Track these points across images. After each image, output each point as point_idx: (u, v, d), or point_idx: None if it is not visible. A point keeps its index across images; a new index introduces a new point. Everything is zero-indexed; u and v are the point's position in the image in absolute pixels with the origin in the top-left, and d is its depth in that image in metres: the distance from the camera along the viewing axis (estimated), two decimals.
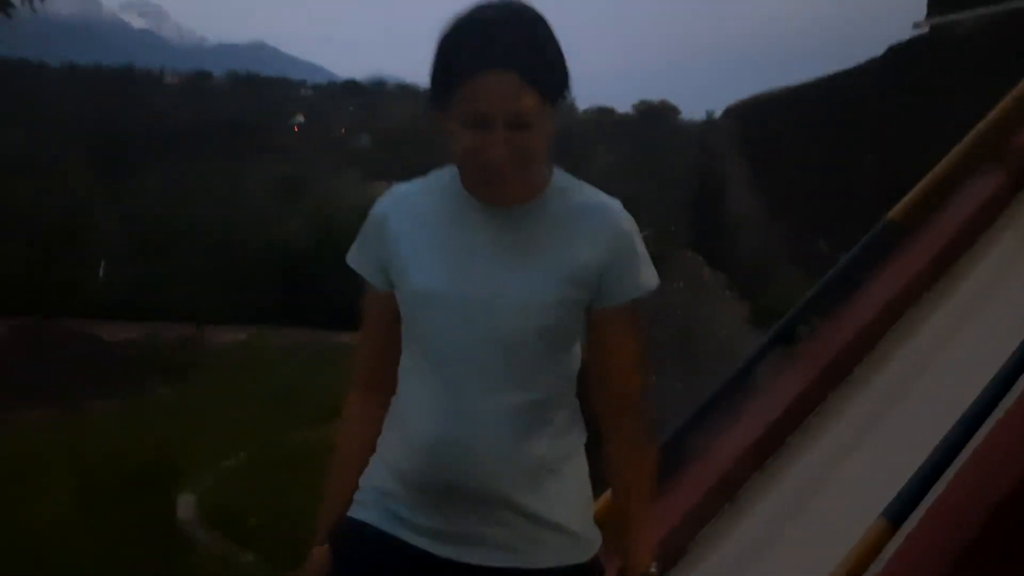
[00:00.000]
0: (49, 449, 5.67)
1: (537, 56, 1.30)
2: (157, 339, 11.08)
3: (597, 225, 1.38)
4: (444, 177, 1.46)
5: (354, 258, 1.50)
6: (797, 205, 4.07)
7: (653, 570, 1.44)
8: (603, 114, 75.81)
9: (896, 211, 2.44)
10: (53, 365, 8.68)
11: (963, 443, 1.71)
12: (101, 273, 24.52)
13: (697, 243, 4.26)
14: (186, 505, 4.22)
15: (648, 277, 1.42)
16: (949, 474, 1.71)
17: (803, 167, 4.21)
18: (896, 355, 2.32)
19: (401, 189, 1.50)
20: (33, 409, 6.96)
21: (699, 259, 4.05)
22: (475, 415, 1.35)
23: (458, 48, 1.32)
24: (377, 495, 1.44)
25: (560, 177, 1.43)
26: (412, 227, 1.43)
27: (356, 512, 1.45)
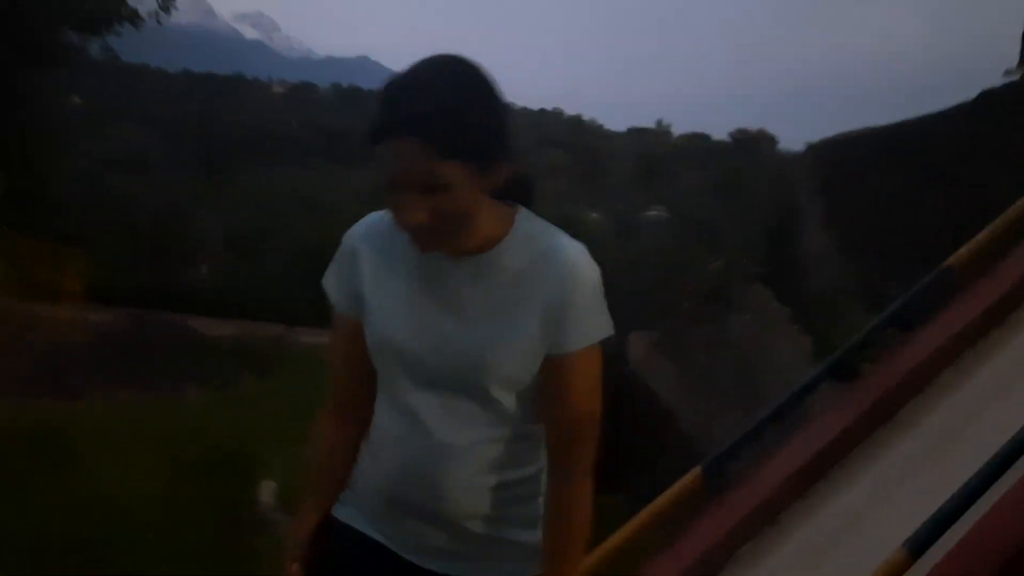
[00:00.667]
0: (144, 429, 6.07)
1: (447, 121, 1.25)
2: (249, 336, 11.59)
3: (553, 274, 1.35)
4: None
5: (329, 282, 1.50)
6: (871, 245, 4.09)
7: None
8: (697, 139, 74.92)
9: (955, 258, 2.50)
10: (153, 353, 9.22)
11: (991, 483, 1.77)
12: (204, 271, 25.65)
13: (768, 276, 4.32)
14: (268, 489, 4.50)
15: (598, 327, 1.38)
16: (975, 513, 1.78)
17: (880, 208, 4.23)
18: (945, 400, 2.36)
19: (374, 221, 1.48)
20: (132, 392, 7.44)
21: (768, 292, 4.11)
22: (438, 450, 1.39)
23: (378, 114, 1.29)
24: (357, 498, 1.50)
25: (524, 223, 1.41)
26: (379, 267, 1.43)
27: (338, 511, 1.53)
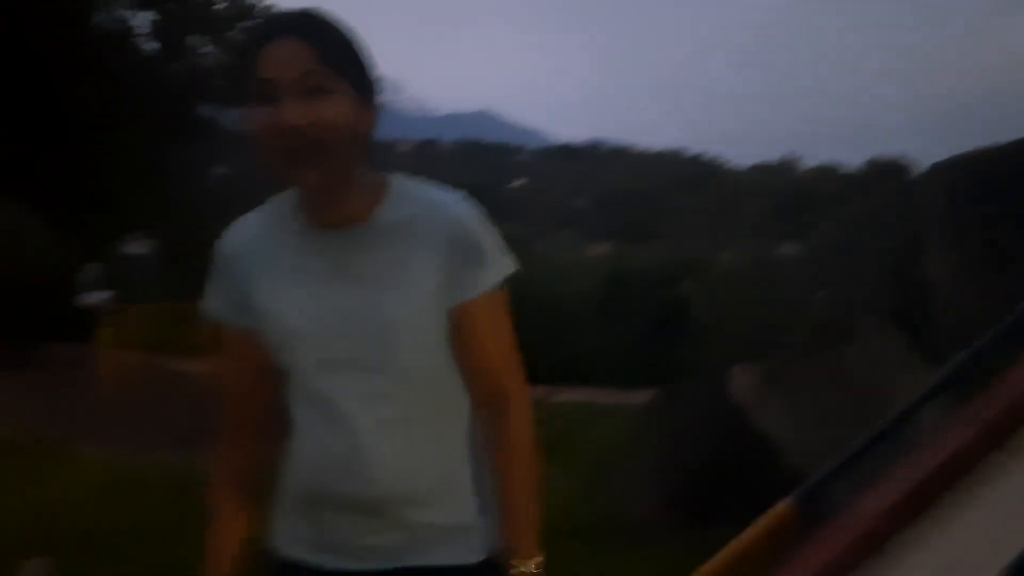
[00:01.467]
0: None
1: (331, 31, 1.26)
2: None
3: (432, 227, 1.33)
4: (282, 205, 1.40)
5: (211, 303, 1.43)
6: (1000, 268, 3.85)
7: (535, 568, 1.40)
8: (825, 172, 72.47)
9: None
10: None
11: None
12: None
13: (887, 304, 4.11)
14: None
15: (497, 266, 1.36)
16: None
17: (1009, 229, 3.98)
18: None
19: (242, 224, 1.43)
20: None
21: (884, 321, 3.92)
22: (355, 432, 1.33)
23: (252, 33, 1.29)
24: (284, 516, 1.44)
25: (398, 186, 1.38)
26: (264, 262, 1.38)
27: (269, 542, 1.47)
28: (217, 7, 11.09)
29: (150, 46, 11.55)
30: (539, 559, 1.40)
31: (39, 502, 5.16)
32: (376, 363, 1.33)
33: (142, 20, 11.34)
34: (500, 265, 1.37)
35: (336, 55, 1.26)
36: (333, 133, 1.25)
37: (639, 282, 25.45)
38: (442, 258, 1.32)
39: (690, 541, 3.49)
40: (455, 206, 1.36)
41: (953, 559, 2.11)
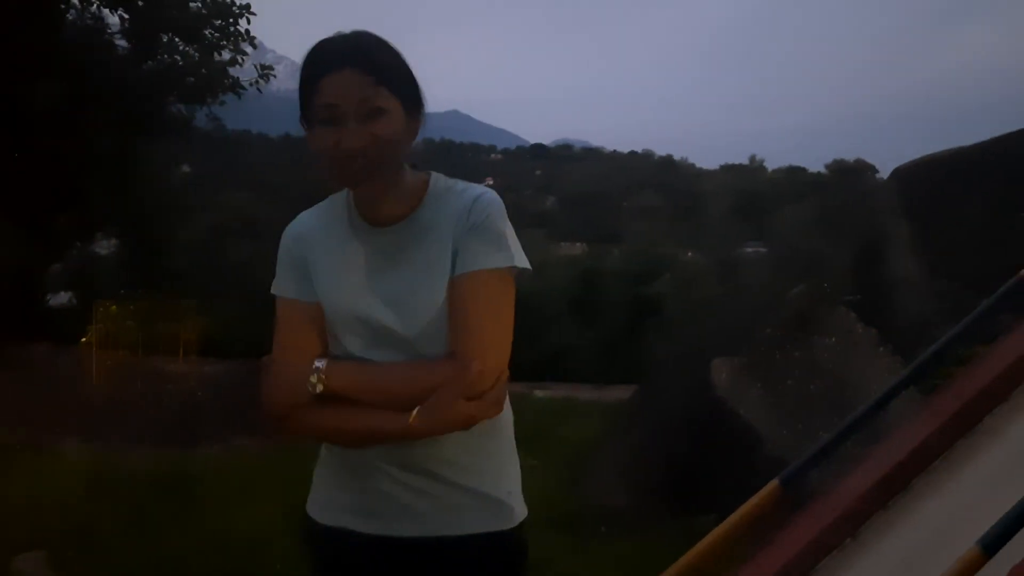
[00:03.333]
0: (260, 472, 6.44)
1: (382, 55, 1.42)
2: None
3: (459, 214, 1.48)
4: (338, 203, 1.58)
5: (281, 284, 1.57)
6: (959, 265, 4.02)
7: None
8: (792, 173, 73.59)
9: None
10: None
11: None
12: None
13: (856, 301, 4.28)
14: None
15: (499, 252, 1.46)
16: None
17: (968, 227, 4.16)
18: None
19: (304, 218, 1.62)
20: (249, 436, 7.88)
21: (852, 315, 4.08)
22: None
23: (313, 60, 1.43)
24: (320, 491, 1.56)
25: (438, 182, 1.56)
26: (317, 252, 1.54)
27: (309, 508, 1.59)
28: (194, 4, 11.06)
29: (122, 44, 11.45)
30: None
31: (29, 497, 5.18)
32: (417, 339, 1.46)
33: (115, 19, 11.25)
34: (502, 252, 1.47)
35: (389, 76, 1.41)
36: (387, 149, 1.42)
37: (613, 280, 25.66)
38: (457, 237, 1.47)
39: (673, 530, 3.62)
40: (481, 195, 1.51)
41: (925, 538, 2.23)
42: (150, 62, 11.65)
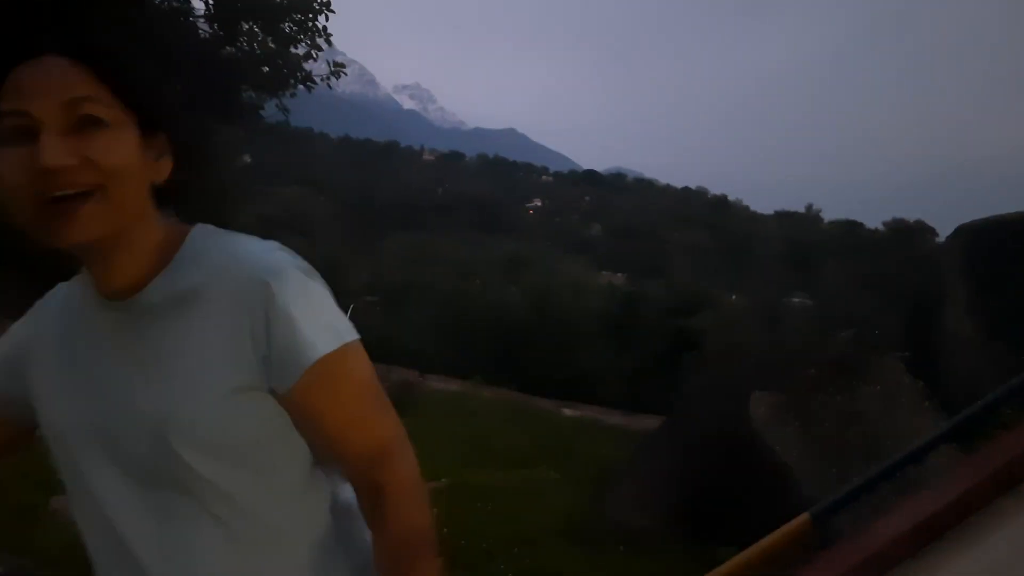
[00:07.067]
0: None
1: (112, 39, 0.95)
2: (385, 379, 12.31)
3: (229, 294, 1.01)
4: (83, 277, 1.10)
5: None
6: (1016, 330, 3.98)
7: None
8: (848, 227, 72.70)
9: None
10: None
11: None
12: (347, 314, 27.58)
13: (906, 356, 4.24)
14: None
15: (324, 335, 1.04)
16: None
17: None
18: None
19: (58, 291, 1.17)
20: None
21: (900, 366, 4.04)
22: (146, 553, 1.04)
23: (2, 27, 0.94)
24: None
25: (197, 239, 1.07)
26: (46, 349, 1.12)
27: None
28: None
29: (204, 29, 11.79)
30: None
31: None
32: (161, 473, 1.02)
33: (200, 3, 11.59)
34: (328, 333, 1.06)
35: (116, 70, 0.95)
36: (113, 180, 0.95)
37: (652, 310, 25.61)
38: (246, 337, 1.01)
39: (691, 557, 3.60)
40: (263, 265, 1.03)
41: None
42: (229, 48, 11.96)
